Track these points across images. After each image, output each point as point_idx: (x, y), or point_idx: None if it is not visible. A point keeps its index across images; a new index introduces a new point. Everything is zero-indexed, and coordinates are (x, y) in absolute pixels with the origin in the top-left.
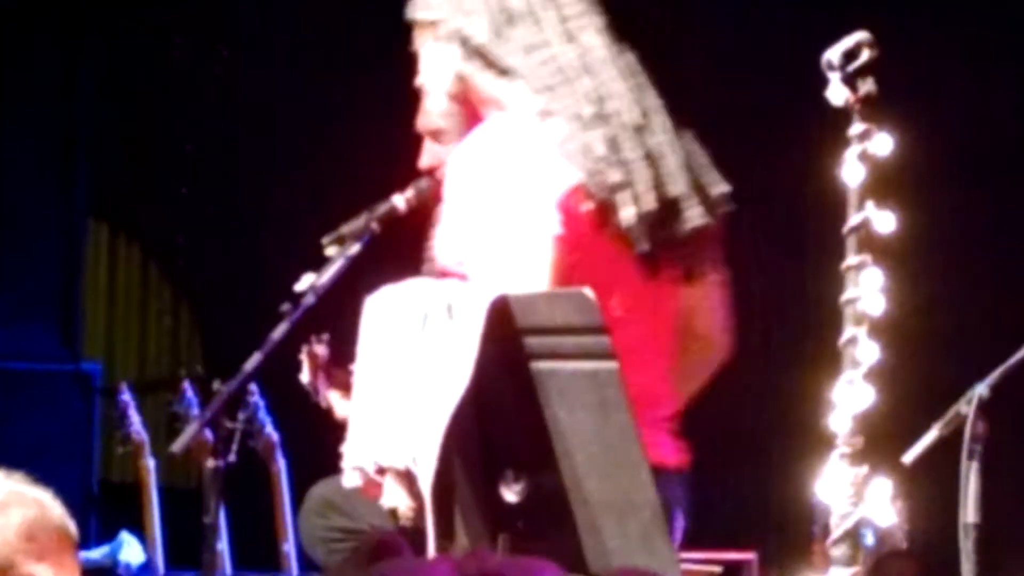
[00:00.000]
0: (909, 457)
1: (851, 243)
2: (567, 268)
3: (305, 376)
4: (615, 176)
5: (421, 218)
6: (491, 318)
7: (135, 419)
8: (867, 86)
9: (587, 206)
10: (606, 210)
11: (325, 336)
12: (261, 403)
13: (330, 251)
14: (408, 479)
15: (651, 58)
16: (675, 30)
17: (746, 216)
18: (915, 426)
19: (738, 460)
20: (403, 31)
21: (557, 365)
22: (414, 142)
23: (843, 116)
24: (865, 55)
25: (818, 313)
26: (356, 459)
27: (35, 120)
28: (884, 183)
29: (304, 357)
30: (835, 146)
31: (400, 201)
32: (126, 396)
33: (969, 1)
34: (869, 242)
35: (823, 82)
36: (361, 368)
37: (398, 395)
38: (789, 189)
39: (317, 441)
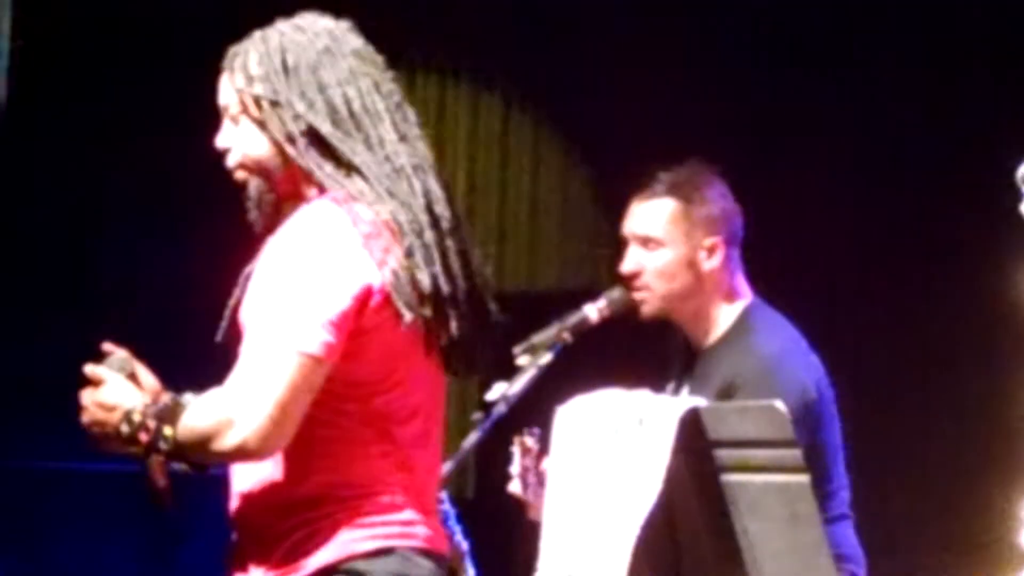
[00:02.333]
0: None
1: None
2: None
3: (516, 485)
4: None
5: (614, 327)
6: (681, 430)
7: None
8: None
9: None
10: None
11: (536, 430)
12: (451, 511)
13: (521, 360)
14: None
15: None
16: (859, 149)
17: (937, 333)
18: None
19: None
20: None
21: (748, 478)
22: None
23: None
24: None
25: (1008, 427)
26: (549, 571)
27: None
28: None
29: (516, 450)
30: None
31: (592, 311)
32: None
33: None
34: None
35: (1017, 197)
36: (552, 479)
37: (589, 507)
38: (979, 304)
39: (506, 551)
